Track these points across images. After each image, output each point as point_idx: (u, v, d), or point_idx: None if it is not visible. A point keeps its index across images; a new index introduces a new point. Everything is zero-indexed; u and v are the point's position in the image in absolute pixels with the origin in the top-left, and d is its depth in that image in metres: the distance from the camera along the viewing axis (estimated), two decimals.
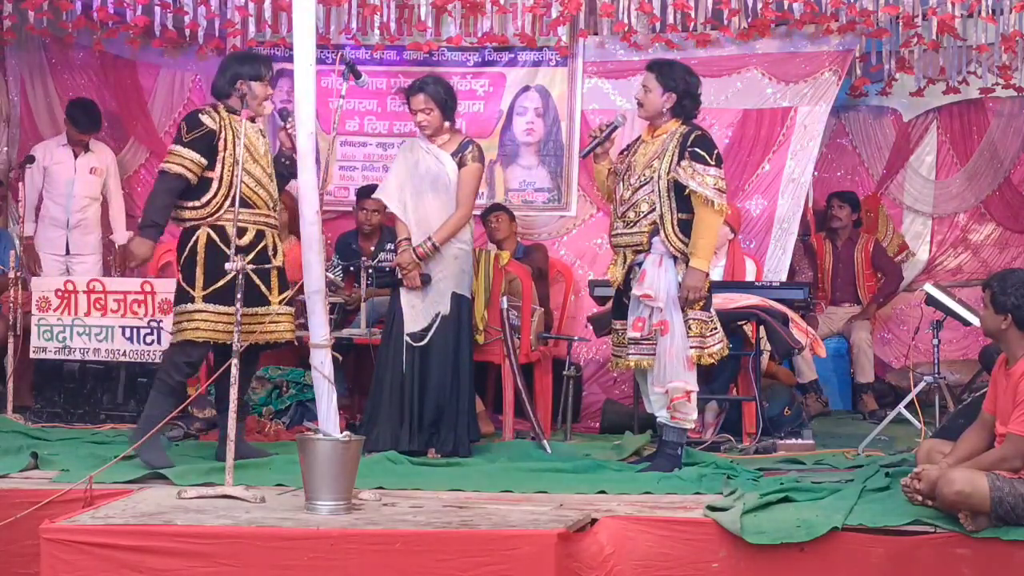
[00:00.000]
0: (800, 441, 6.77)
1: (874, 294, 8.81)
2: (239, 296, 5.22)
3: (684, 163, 5.74)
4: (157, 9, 7.78)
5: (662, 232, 5.78)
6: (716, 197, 5.70)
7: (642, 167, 5.87)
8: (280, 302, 5.90)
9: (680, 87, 5.87)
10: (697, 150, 5.75)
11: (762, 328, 6.94)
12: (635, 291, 5.84)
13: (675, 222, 5.77)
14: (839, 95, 8.24)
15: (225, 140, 5.79)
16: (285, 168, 6.05)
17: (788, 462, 6.28)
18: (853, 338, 8.53)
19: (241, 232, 5.73)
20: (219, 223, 5.77)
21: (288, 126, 6.02)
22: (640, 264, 5.85)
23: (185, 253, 5.80)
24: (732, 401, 7.06)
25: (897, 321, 9.25)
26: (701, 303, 5.80)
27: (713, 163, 5.76)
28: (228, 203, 5.73)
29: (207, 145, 5.76)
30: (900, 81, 8.63)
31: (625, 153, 6.08)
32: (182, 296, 5.80)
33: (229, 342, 5.51)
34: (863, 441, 6.65)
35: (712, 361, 5.92)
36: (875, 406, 8.33)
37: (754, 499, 4.92)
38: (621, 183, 5.96)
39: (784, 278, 7.96)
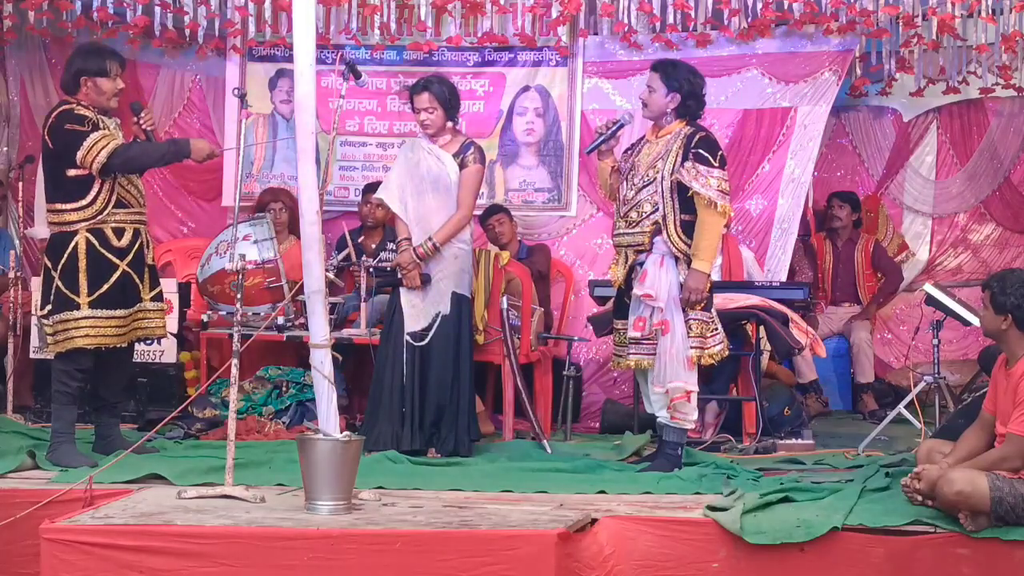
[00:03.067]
0: (800, 441, 6.77)
1: (874, 294, 8.81)
2: (239, 296, 5.24)
3: (688, 164, 5.74)
4: (157, 9, 7.78)
5: (664, 232, 5.78)
6: (719, 199, 5.70)
7: (646, 167, 5.87)
8: (151, 298, 5.91)
9: (684, 87, 5.86)
10: (701, 151, 5.75)
11: (762, 328, 6.94)
12: (636, 291, 5.84)
13: (678, 223, 5.77)
14: (839, 95, 8.24)
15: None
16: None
17: (788, 462, 6.28)
18: (853, 338, 8.53)
19: (120, 232, 5.77)
20: (98, 226, 5.72)
21: (142, 121, 5.94)
22: (642, 264, 5.85)
23: (63, 260, 5.70)
24: (732, 401, 7.06)
25: (897, 321, 9.25)
26: (702, 304, 5.80)
27: (717, 165, 5.75)
28: (112, 206, 5.72)
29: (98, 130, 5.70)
30: (900, 81, 8.63)
31: (629, 152, 6.07)
32: (65, 303, 5.69)
33: (117, 345, 5.71)
34: (863, 441, 6.65)
35: (712, 362, 5.92)
36: (875, 406, 8.32)
37: (754, 499, 4.92)
38: (625, 183, 5.95)
39: (784, 278, 7.95)
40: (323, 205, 5.33)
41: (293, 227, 7.56)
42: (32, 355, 7.33)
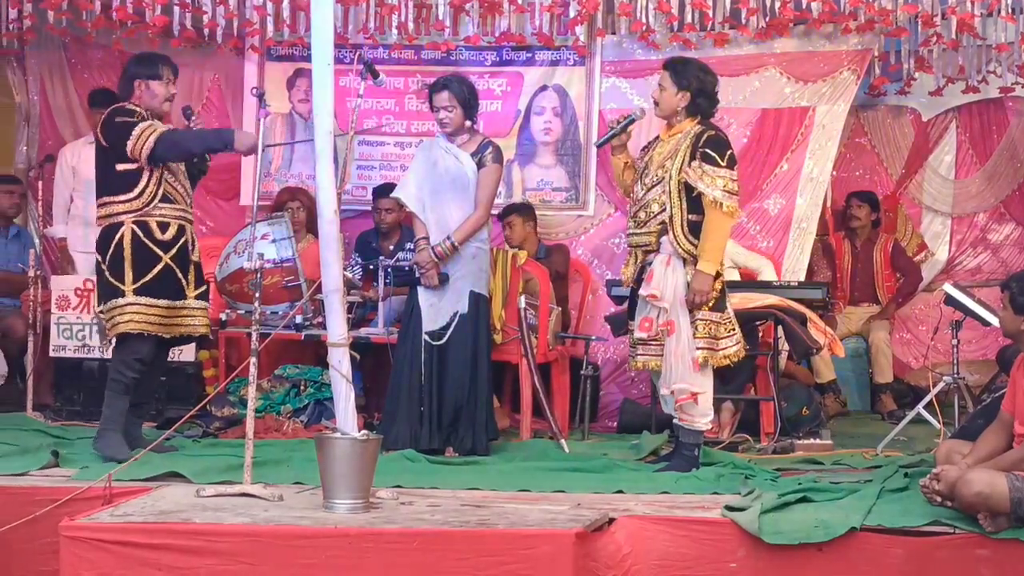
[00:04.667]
0: (818, 441, 6.75)
1: (893, 294, 8.78)
2: (258, 295, 5.25)
3: (694, 164, 5.71)
4: (176, 9, 7.80)
5: (670, 233, 5.75)
6: (725, 199, 5.66)
7: (656, 167, 5.85)
8: (195, 296, 6.01)
9: (694, 85, 5.83)
10: (708, 151, 5.71)
11: (780, 328, 6.92)
12: (641, 291, 5.82)
13: (685, 223, 5.74)
14: (858, 94, 8.21)
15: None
16: (194, 166, 6.17)
17: (806, 462, 6.27)
18: (872, 338, 8.50)
19: (164, 227, 5.89)
20: (143, 219, 5.86)
21: (193, 124, 6.13)
22: (650, 264, 5.83)
23: (111, 250, 5.86)
24: (749, 401, 7.05)
25: (916, 321, 9.22)
26: (709, 305, 5.76)
27: (724, 164, 5.71)
28: (158, 200, 5.85)
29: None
30: (919, 80, 8.58)
31: (644, 151, 6.06)
32: (112, 292, 5.86)
33: (162, 334, 5.82)
34: (882, 441, 6.63)
35: (727, 363, 5.89)
36: (894, 406, 8.29)
37: (772, 499, 4.91)
38: (638, 182, 5.95)
39: (802, 278, 7.93)
40: (341, 204, 5.34)
41: (311, 226, 7.58)
42: (52, 354, 7.37)
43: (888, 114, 9.35)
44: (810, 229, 8.08)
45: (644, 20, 7.78)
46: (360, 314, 7.30)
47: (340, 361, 5.13)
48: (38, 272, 7.34)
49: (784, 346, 7.09)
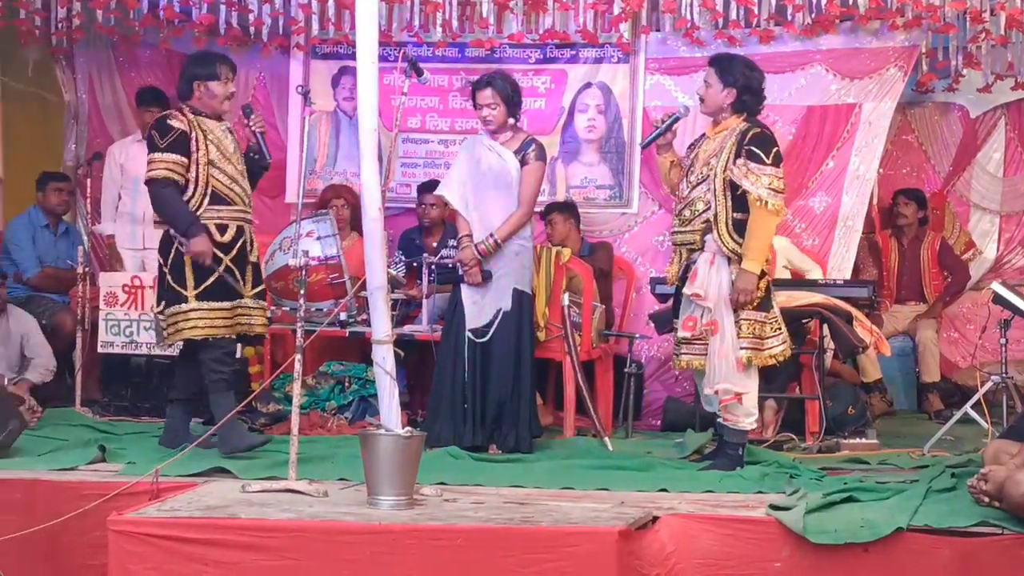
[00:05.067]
0: (864, 441, 6.70)
1: (940, 292, 8.71)
2: (302, 292, 5.28)
3: (739, 162, 5.67)
4: (222, 7, 7.87)
5: (715, 231, 5.71)
6: (770, 197, 5.62)
7: (701, 164, 5.82)
8: (253, 296, 6.03)
9: (740, 82, 5.79)
10: (753, 149, 5.67)
11: (826, 326, 6.88)
12: (685, 290, 5.79)
13: (729, 222, 5.70)
14: (905, 91, 8.14)
15: (196, 140, 5.88)
16: (254, 163, 6.16)
17: (852, 462, 6.23)
18: (919, 337, 8.44)
19: (222, 229, 5.91)
20: (202, 221, 5.86)
21: (252, 123, 6.13)
22: (694, 262, 5.80)
23: (171, 255, 5.90)
24: (794, 400, 7.01)
25: (963, 320, 9.13)
26: (753, 304, 5.73)
27: (770, 162, 5.67)
28: (207, 202, 5.86)
29: (182, 145, 5.85)
30: (967, 77, 8.51)
31: (691, 149, 6.03)
32: (175, 297, 5.88)
33: (226, 336, 5.84)
34: (928, 441, 6.57)
35: (773, 363, 5.85)
36: (941, 406, 8.23)
37: (817, 498, 4.88)
38: (684, 180, 5.92)
39: (848, 276, 7.88)
40: (385, 202, 5.36)
41: (355, 224, 7.61)
42: (100, 350, 7.44)
43: (936, 111, 9.27)
44: (856, 227, 8.02)
45: (689, 17, 7.77)
46: (404, 311, 7.32)
47: (384, 358, 5.15)
48: (87, 269, 7.41)
49: (830, 345, 7.05)
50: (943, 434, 6.65)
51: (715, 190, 5.72)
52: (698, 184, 5.80)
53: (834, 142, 8.01)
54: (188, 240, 5.86)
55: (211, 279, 5.86)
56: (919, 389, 8.56)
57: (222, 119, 6.07)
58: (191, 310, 5.86)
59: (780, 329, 5.83)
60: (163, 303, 5.95)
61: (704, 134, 6.01)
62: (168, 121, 5.92)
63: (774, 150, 5.73)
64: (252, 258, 6.05)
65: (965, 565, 4.58)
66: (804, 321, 6.92)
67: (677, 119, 6.04)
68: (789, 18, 7.82)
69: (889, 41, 7.93)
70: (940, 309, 8.71)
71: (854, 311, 6.90)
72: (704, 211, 5.76)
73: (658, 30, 8.16)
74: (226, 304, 5.91)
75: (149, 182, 5.92)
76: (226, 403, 5.81)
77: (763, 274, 5.73)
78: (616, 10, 7.77)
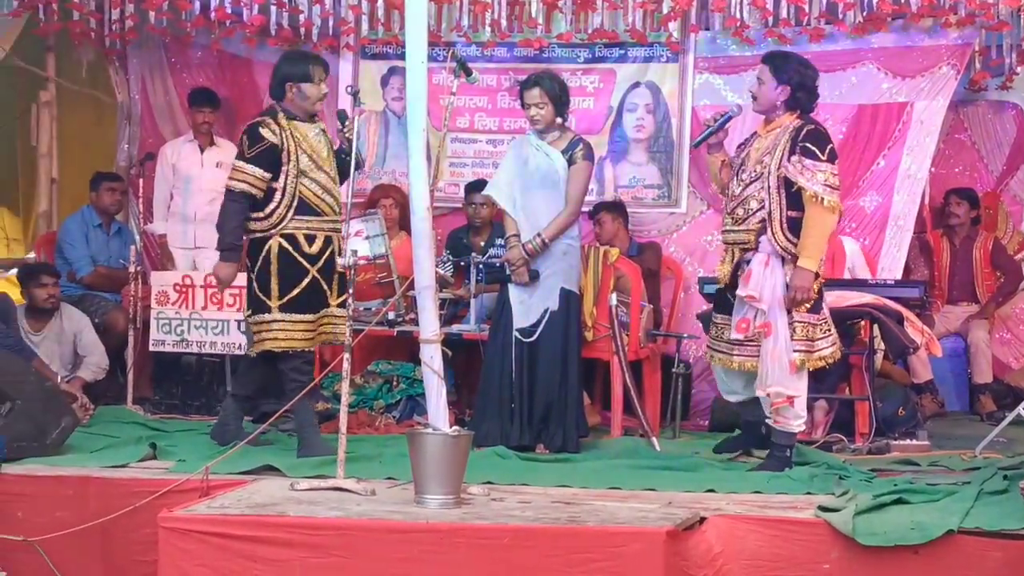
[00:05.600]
0: (915, 442, 6.65)
1: (993, 293, 8.61)
2: (351, 291, 5.31)
3: (794, 159, 5.63)
4: (273, 8, 7.93)
5: (769, 230, 5.68)
6: (827, 194, 5.57)
7: (754, 162, 5.78)
8: (338, 304, 5.95)
9: (795, 79, 5.75)
10: (808, 145, 5.63)
11: (876, 327, 6.82)
12: (739, 291, 5.74)
13: (784, 220, 5.66)
14: (957, 89, 8.06)
15: (288, 151, 5.84)
16: (345, 163, 6.11)
17: (902, 463, 6.17)
18: (971, 337, 8.35)
19: (310, 239, 5.88)
20: (288, 231, 5.86)
21: (346, 130, 6.10)
22: (748, 262, 5.76)
23: (259, 263, 5.88)
24: (844, 400, 6.96)
25: (1016, 321, 9.01)
26: (808, 305, 5.69)
27: (825, 159, 5.62)
28: (292, 212, 5.84)
29: (269, 159, 5.81)
30: (1021, 75, 8.42)
31: (741, 147, 5.99)
32: (259, 306, 5.88)
33: (304, 348, 5.80)
34: (980, 443, 6.49)
35: (823, 365, 5.80)
36: (993, 407, 8.14)
37: (867, 500, 4.84)
38: (735, 178, 5.88)
39: (899, 276, 7.81)
40: (434, 201, 5.38)
41: (404, 223, 7.63)
42: (151, 348, 7.51)
43: (989, 109, 9.16)
44: (907, 226, 7.95)
45: (738, 16, 7.74)
46: (452, 311, 7.34)
47: (432, 357, 5.16)
48: (138, 268, 7.48)
49: (880, 345, 7.00)
50: (995, 436, 6.57)
51: (769, 188, 5.68)
52: (751, 182, 5.75)
53: (885, 141, 7.95)
54: (219, 259, 5.92)
55: (297, 289, 5.84)
56: (971, 390, 8.47)
57: (315, 120, 6.05)
58: (273, 320, 5.85)
59: (830, 331, 5.78)
60: (250, 310, 5.96)
61: (755, 133, 5.97)
62: (260, 130, 5.87)
63: (829, 147, 5.68)
64: (339, 268, 5.92)
65: (1017, 568, 4.52)
66: (855, 321, 6.86)
67: (729, 118, 6.00)
68: (840, 16, 7.77)
69: (941, 39, 7.86)
70: (992, 310, 8.61)
71: (905, 311, 6.84)
72: (758, 209, 5.71)
73: (707, 29, 8.13)
74: (309, 316, 5.88)
75: (227, 190, 5.91)
76: (308, 407, 5.84)
77: (817, 275, 5.68)
78: (665, 9, 7.75)
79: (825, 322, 5.78)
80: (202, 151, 8.34)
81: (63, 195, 8.84)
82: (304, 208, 5.87)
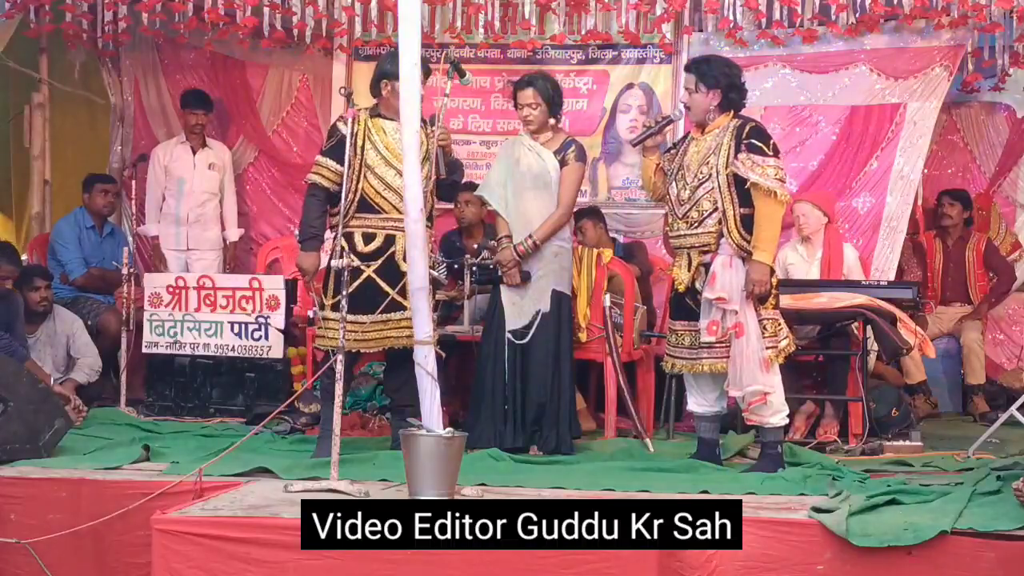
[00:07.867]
0: (908, 443, 6.65)
1: (986, 294, 8.62)
2: (345, 292, 5.30)
3: (742, 156, 5.63)
4: (266, 10, 7.92)
5: (725, 230, 5.68)
6: (778, 187, 5.59)
7: (698, 165, 5.77)
8: (331, 307, 5.91)
9: (723, 82, 5.75)
10: (754, 141, 5.64)
11: (869, 328, 6.83)
12: (707, 294, 5.71)
13: (737, 218, 5.65)
14: (950, 91, 8.08)
15: (355, 146, 5.83)
16: (443, 173, 6.07)
17: (895, 464, 6.18)
18: (964, 339, 8.36)
19: (368, 238, 5.87)
20: (348, 229, 5.86)
21: (436, 135, 6.01)
22: (707, 265, 5.75)
23: (326, 261, 5.90)
24: (837, 402, 6.96)
25: (1009, 322, 9.04)
26: (773, 301, 5.69)
27: (771, 153, 5.64)
28: (354, 209, 5.84)
29: (341, 152, 5.78)
30: (1014, 76, 8.43)
31: (674, 152, 5.99)
32: (320, 303, 5.93)
33: (355, 350, 5.73)
34: (973, 444, 6.51)
35: (782, 358, 5.79)
36: (986, 408, 8.15)
37: (860, 501, 4.85)
38: (675, 183, 5.86)
39: (892, 277, 7.83)
40: (435, 203, 5.37)
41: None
42: (144, 350, 7.50)
43: (981, 111, 9.18)
44: (900, 228, 7.97)
45: (732, 17, 7.75)
46: (444, 312, 7.33)
47: (425, 358, 5.16)
48: (131, 270, 7.47)
49: (873, 346, 7.00)
50: (988, 436, 6.59)
51: (720, 188, 5.68)
52: (700, 184, 5.75)
53: (878, 142, 7.97)
54: (300, 250, 5.95)
55: (350, 289, 5.73)
56: (964, 391, 8.49)
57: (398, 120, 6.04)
58: (323, 318, 5.87)
59: (782, 325, 5.79)
60: (316, 307, 6.00)
61: (687, 135, 5.97)
62: (337, 124, 5.98)
63: (772, 141, 5.72)
64: (404, 269, 5.78)
65: (1010, 569, 4.52)
66: (848, 322, 6.87)
67: (671, 122, 6.04)
68: (833, 17, 7.78)
69: (934, 40, 7.88)
70: (985, 311, 8.63)
71: (898, 312, 6.85)
72: (713, 211, 5.71)
73: (701, 30, 8.14)
74: (363, 318, 5.84)
75: (307, 183, 5.98)
76: (326, 414, 5.82)
77: (772, 269, 5.70)
78: (658, 11, 7.76)
79: (779, 317, 5.79)
80: (194, 153, 8.34)
81: (56, 197, 8.82)
82: (364, 205, 5.88)
